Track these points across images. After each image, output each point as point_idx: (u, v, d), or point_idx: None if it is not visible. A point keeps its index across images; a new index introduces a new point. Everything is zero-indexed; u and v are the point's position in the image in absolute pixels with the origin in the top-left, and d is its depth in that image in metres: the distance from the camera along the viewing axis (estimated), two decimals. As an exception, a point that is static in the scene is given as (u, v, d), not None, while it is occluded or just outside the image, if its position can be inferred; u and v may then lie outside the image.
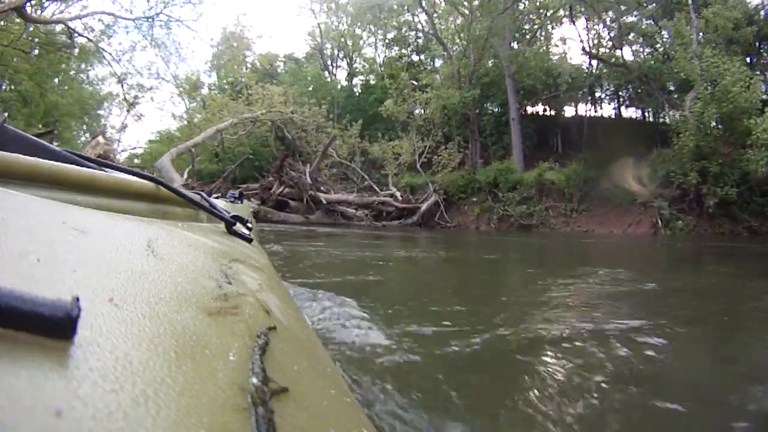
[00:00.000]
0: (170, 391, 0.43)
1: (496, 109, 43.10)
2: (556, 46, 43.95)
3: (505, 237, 22.71)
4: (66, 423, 0.34)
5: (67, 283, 0.56)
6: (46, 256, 0.60)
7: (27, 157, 1.06)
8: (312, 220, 28.55)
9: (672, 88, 34.79)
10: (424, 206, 31.87)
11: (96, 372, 0.41)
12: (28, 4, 29.00)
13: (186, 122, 47.70)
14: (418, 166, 37.26)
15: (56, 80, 42.32)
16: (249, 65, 59.42)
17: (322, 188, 31.91)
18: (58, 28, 34.11)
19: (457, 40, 41.86)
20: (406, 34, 50.14)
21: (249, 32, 62.87)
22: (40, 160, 1.09)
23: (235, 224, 1.52)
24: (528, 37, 41.06)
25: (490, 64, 42.28)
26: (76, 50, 37.57)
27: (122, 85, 42.45)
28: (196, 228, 1.35)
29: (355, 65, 57.26)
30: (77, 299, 0.44)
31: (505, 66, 37.66)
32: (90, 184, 1.17)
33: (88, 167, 1.31)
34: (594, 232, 28.26)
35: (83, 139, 50.68)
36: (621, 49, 36.70)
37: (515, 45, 39.65)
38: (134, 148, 50.37)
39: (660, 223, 26.94)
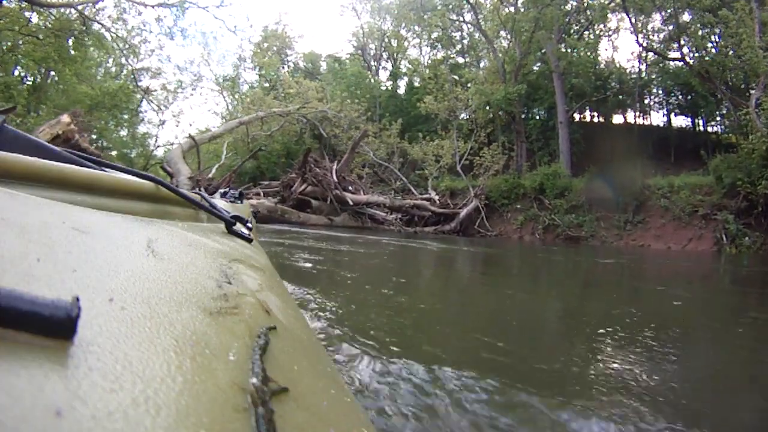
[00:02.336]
0: (170, 391, 0.44)
1: (543, 114, 43.12)
2: (605, 46, 44.12)
3: (554, 254, 20.34)
4: (66, 423, 0.35)
5: (67, 283, 0.58)
6: (46, 256, 0.63)
7: (27, 157, 1.09)
8: (336, 222, 28.15)
9: (723, 88, 34.07)
10: (463, 212, 31.51)
11: (96, 372, 0.42)
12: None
13: (224, 119, 48.47)
14: (458, 168, 36.82)
15: (100, 72, 44.37)
16: (292, 64, 62.08)
17: (350, 188, 31.62)
18: (66, 14, 34.80)
19: (502, 34, 41.63)
20: (451, 34, 50.36)
21: (291, 31, 65.03)
22: (40, 160, 1.13)
23: (235, 224, 1.57)
24: (576, 37, 40.53)
25: (536, 68, 42.46)
26: (89, 37, 37.85)
27: (134, 75, 43.45)
28: (196, 228, 1.39)
29: (399, 67, 58.23)
30: (77, 299, 0.46)
31: (554, 64, 37.17)
32: (90, 184, 1.21)
33: (88, 167, 1.35)
34: (650, 247, 27.04)
35: (122, 133, 53.58)
36: (678, 43, 36.27)
37: (563, 47, 39.15)
38: (172, 144, 51.42)
39: (724, 239, 25.20)
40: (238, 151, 44.47)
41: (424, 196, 33.52)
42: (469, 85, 41.76)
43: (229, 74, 59.15)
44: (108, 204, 1.20)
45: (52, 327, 0.44)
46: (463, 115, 41.50)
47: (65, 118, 18.45)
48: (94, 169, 1.37)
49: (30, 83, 40.97)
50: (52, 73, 41.05)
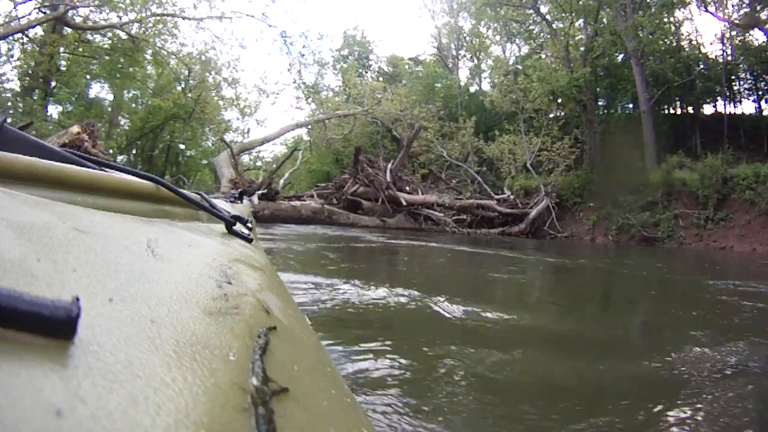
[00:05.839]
0: (170, 391, 0.47)
1: (630, 105, 41.88)
2: (687, 29, 42.88)
3: (621, 259, 18.53)
4: (66, 423, 0.36)
5: (67, 283, 0.62)
6: (46, 256, 0.66)
7: (27, 157, 1.14)
8: (389, 224, 28.06)
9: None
10: (533, 212, 30.92)
11: (96, 372, 0.44)
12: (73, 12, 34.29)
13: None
14: (528, 165, 36.37)
15: (181, 87, 47.28)
16: (376, 68, 64.80)
17: (406, 188, 31.50)
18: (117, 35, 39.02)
19: (567, 15, 40.40)
20: (529, 27, 49.94)
21: (370, 35, 67.13)
22: (40, 160, 1.17)
23: (235, 224, 1.62)
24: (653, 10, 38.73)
25: (619, 58, 41.36)
26: (149, 53, 42.20)
27: (182, 84, 46.64)
28: (196, 228, 1.44)
29: (480, 65, 58.41)
30: (77, 299, 0.48)
31: (631, 51, 35.90)
32: (90, 184, 1.26)
33: (88, 167, 1.40)
34: (732, 249, 25.00)
35: (210, 143, 56.14)
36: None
37: (641, 33, 37.63)
38: (259, 152, 53.60)
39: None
40: (320, 156, 47.27)
41: (499, 195, 33.10)
42: (529, 65, 41.51)
43: (310, 81, 60.77)
44: (108, 204, 1.24)
45: (52, 327, 0.45)
46: (552, 114, 41.05)
47: (74, 128, 19.65)
48: (94, 169, 1.42)
49: (111, 100, 46.67)
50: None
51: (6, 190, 0.92)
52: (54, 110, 42.54)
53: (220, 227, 1.63)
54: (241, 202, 3.11)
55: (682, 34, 41.46)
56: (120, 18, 38.28)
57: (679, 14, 40.68)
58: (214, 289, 0.84)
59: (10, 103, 36.35)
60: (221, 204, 2.16)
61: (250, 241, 1.62)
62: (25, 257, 0.64)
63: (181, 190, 1.61)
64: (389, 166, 31.15)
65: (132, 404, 0.42)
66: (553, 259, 16.72)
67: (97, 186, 1.28)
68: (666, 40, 38.73)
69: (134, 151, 51.36)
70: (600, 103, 42.48)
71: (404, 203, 29.41)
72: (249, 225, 1.80)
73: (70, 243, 0.78)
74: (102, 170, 1.47)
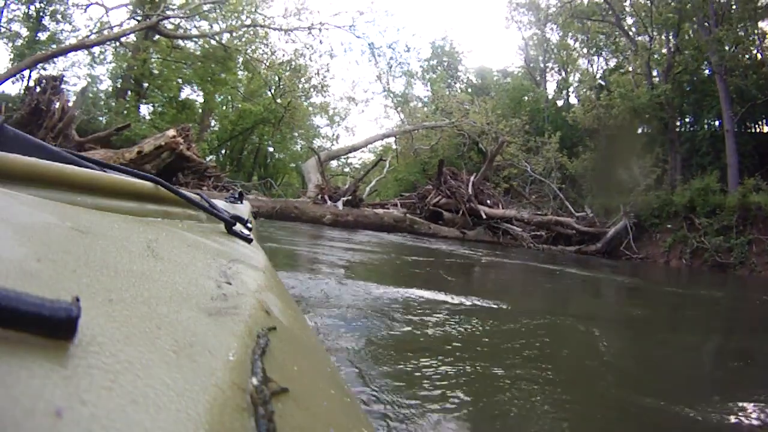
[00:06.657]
0: (170, 391, 0.48)
1: (716, 123, 39.55)
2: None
3: (691, 285, 17.28)
4: (66, 423, 0.37)
5: (67, 283, 0.62)
6: (46, 256, 0.67)
7: (26, 158, 1.14)
8: (469, 236, 27.72)
9: None
10: (610, 232, 30.09)
11: (96, 372, 0.45)
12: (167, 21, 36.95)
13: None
14: (608, 183, 35.72)
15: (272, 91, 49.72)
16: (464, 79, 64.61)
17: (487, 201, 31.14)
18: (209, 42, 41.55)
19: (648, 29, 39.20)
20: (616, 41, 49.01)
21: (458, 46, 67.10)
22: (40, 160, 1.17)
23: (235, 224, 1.61)
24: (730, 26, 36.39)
25: (706, 73, 39.97)
26: (240, 60, 44.36)
27: (271, 90, 48.72)
28: (196, 228, 1.45)
29: (568, 79, 57.67)
30: (77, 299, 0.49)
31: (714, 66, 34.34)
32: (89, 185, 1.25)
33: (88, 167, 1.40)
34: None
35: (299, 147, 58.69)
36: None
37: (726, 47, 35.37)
38: (347, 158, 55.00)
39: None
40: (407, 165, 47.58)
41: (580, 213, 32.75)
42: (611, 80, 40.69)
43: (399, 91, 61.99)
44: (108, 204, 1.24)
45: (52, 327, 0.45)
46: (639, 130, 40.17)
47: (171, 132, 20.56)
48: (94, 169, 1.42)
49: (202, 102, 48.91)
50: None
51: (6, 190, 0.93)
52: (145, 110, 45.14)
53: (220, 227, 1.62)
54: (241, 203, 3.13)
55: (767, 48, 39.59)
56: (211, 27, 40.65)
57: (762, 25, 39.01)
58: (213, 290, 0.85)
59: (102, 102, 38.94)
60: (221, 204, 2.17)
61: (249, 241, 1.61)
62: (25, 257, 0.64)
63: (180, 190, 1.61)
64: (472, 178, 30.99)
65: (132, 404, 0.42)
66: (640, 285, 15.89)
67: (97, 186, 1.28)
68: (749, 53, 37.35)
69: (223, 152, 52.98)
70: (687, 120, 41.35)
71: (484, 216, 29.01)
72: (249, 225, 1.80)
73: (70, 243, 0.79)
74: (102, 170, 1.48)
